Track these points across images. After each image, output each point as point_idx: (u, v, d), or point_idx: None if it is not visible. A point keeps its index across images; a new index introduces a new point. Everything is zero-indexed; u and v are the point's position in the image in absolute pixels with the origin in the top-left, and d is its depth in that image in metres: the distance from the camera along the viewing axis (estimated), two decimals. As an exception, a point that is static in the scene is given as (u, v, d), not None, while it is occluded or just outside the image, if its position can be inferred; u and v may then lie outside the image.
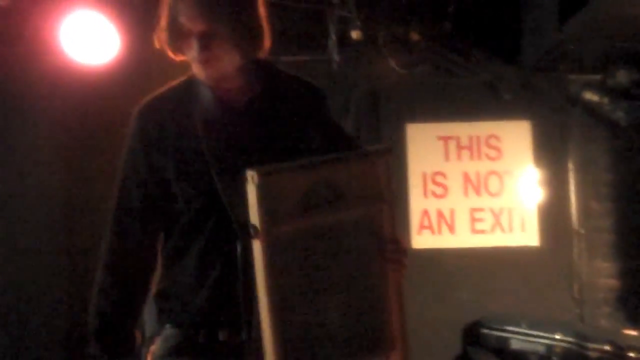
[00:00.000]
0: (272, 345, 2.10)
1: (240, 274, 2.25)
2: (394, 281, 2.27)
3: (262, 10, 2.43)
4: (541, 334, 5.11)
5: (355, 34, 5.41)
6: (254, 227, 2.07)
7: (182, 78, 2.53)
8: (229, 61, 2.38)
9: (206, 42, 2.30)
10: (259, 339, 2.17)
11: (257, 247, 2.09)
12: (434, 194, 5.88)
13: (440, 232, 5.85)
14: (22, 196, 5.46)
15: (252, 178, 2.06)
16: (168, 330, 2.49)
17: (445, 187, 5.90)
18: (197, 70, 2.40)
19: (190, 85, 2.49)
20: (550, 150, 5.90)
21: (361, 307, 2.22)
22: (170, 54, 2.43)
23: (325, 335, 2.18)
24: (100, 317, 2.51)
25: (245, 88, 2.46)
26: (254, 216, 2.07)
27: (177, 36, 2.35)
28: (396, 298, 2.27)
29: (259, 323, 2.20)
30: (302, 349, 2.15)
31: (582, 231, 5.82)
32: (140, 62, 4.75)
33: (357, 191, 2.21)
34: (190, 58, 2.39)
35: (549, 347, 5.05)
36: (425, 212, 5.85)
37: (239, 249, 2.20)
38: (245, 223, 2.13)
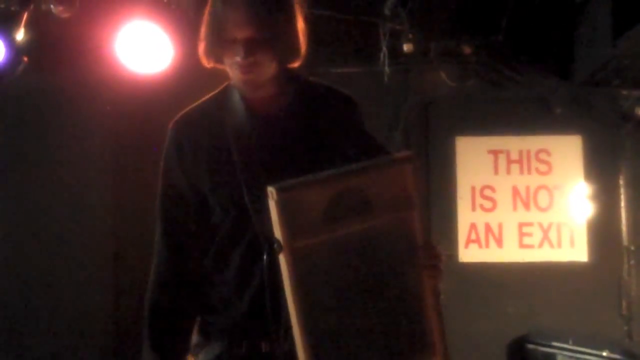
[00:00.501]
0: (305, 355, 2.11)
1: (266, 286, 2.26)
2: (430, 287, 2.25)
3: (301, 21, 2.46)
4: (588, 350, 5.07)
5: (406, 47, 5.42)
6: (278, 242, 2.08)
7: (217, 90, 2.56)
8: (269, 68, 2.40)
9: (251, 48, 2.32)
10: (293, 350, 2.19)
11: (282, 261, 2.10)
12: (483, 208, 5.86)
13: (487, 246, 5.83)
14: (72, 202, 5.56)
15: (272, 194, 2.06)
16: (210, 342, 2.52)
17: (494, 201, 5.88)
18: (237, 77, 2.42)
19: (223, 96, 2.52)
20: (601, 166, 5.85)
21: (397, 314, 2.21)
22: (206, 63, 2.46)
23: (361, 342, 2.17)
24: (152, 332, 2.53)
25: (276, 98, 2.49)
26: (277, 232, 2.08)
27: (221, 43, 2.37)
28: (433, 304, 2.25)
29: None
30: (337, 357, 2.15)
31: (632, 247, 5.76)
32: (193, 72, 4.80)
33: (385, 199, 2.19)
34: (230, 65, 2.40)
35: (597, 363, 5.01)
36: (473, 226, 5.84)
37: (265, 262, 2.21)
38: (270, 237, 2.14)
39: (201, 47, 2.45)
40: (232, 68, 2.40)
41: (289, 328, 2.21)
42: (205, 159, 2.45)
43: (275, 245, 2.09)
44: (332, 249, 2.14)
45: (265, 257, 2.18)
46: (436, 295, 2.25)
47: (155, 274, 2.53)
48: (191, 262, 2.52)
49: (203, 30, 2.44)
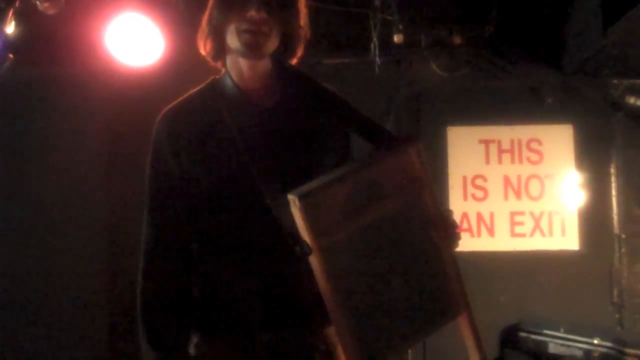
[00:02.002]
0: (348, 342, 2.22)
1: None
2: (448, 253, 2.37)
3: (305, 17, 2.50)
4: (579, 338, 5.10)
5: (397, 38, 5.42)
6: (306, 244, 2.17)
7: (203, 85, 2.55)
8: (274, 41, 2.42)
9: (265, 3, 2.34)
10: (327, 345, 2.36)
11: (313, 261, 2.20)
12: (474, 197, 5.89)
13: (479, 235, 5.85)
14: (65, 197, 5.55)
15: (294, 202, 2.15)
16: (205, 337, 2.51)
17: (485, 190, 5.90)
18: (244, 40, 2.38)
19: (215, 88, 2.52)
20: (592, 155, 5.88)
21: (423, 285, 2.34)
22: (204, 45, 2.48)
23: (396, 317, 2.30)
24: (147, 326, 2.47)
25: (271, 88, 2.50)
26: (304, 235, 2.17)
27: (231, 5, 2.37)
28: (453, 268, 2.37)
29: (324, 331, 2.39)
30: (377, 336, 2.27)
31: (623, 236, 5.79)
32: (184, 64, 4.81)
33: (395, 183, 2.30)
34: (237, 30, 2.38)
35: (587, 352, 5.03)
36: (465, 215, 5.86)
37: (298, 257, 2.22)
38: (291, 231, 2.20)
39: (204, 22, 2.47)
40: (239, 32, 2.38)
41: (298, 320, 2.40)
42: (200, 149, 2.43)
43: (305, 248, 2.17)
44: (355, 240, 2.25)
45: (298, 252, 2.20)
46: (454, 260, 2.38)
47: (145, 267, 2.50)
48: (181, 256, 2.49)
49: (208, 10, 2.46)
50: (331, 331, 2.44)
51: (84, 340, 5.53)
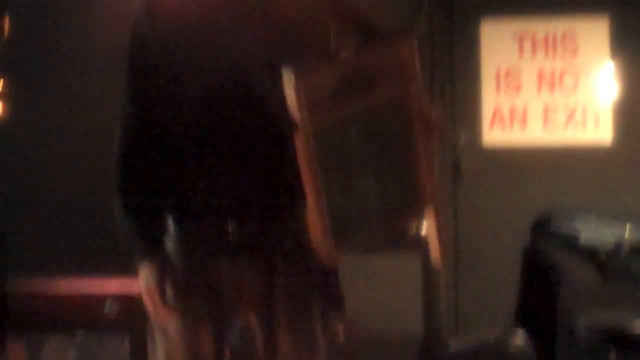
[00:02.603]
0: (320, 225, 2.27)
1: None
2: (426, 149, 2.40)
3: None
4: (612, 227, 5.13)
5: None
6: (294, 122, 2.22)
7: None
8: None
9: None
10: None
11: (299, 139, 2.24)
12: (507, 91, 5.86)
13: (511, 128, 5.85)
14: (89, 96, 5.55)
15: (289, 78, 2.20)
16: (171, 223, 2.51)
17: (518, 84, 5.87)
18: None
19: None
20: (628, 47, 5.78)
21: (396, 176, 2.39)
22: None
23: (369, 206, 2.37)
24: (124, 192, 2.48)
25: None
26: (294, 112, 2.22)
27: None
28: (427, 163, 2.41)
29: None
30: (349, 224, 2.34)
31: (658, 128, 5.77)
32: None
33: (386, 74, 2.33)
34: None
35: (619, 241, 5.06)
36: (498, 109, 5.84)
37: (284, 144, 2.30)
38: (281, 106, 2.25)
39: None
40: None
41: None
42: (188, 28, 2.42)
43: (292, 125, 2.22)
44: (342, 126, 2.31)
45: (285, 128, 2.26)
46: (429, 155, 2.41)
47: (123, 143, 2.50)
48: (161, 139, 2.48)
49: None
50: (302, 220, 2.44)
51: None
